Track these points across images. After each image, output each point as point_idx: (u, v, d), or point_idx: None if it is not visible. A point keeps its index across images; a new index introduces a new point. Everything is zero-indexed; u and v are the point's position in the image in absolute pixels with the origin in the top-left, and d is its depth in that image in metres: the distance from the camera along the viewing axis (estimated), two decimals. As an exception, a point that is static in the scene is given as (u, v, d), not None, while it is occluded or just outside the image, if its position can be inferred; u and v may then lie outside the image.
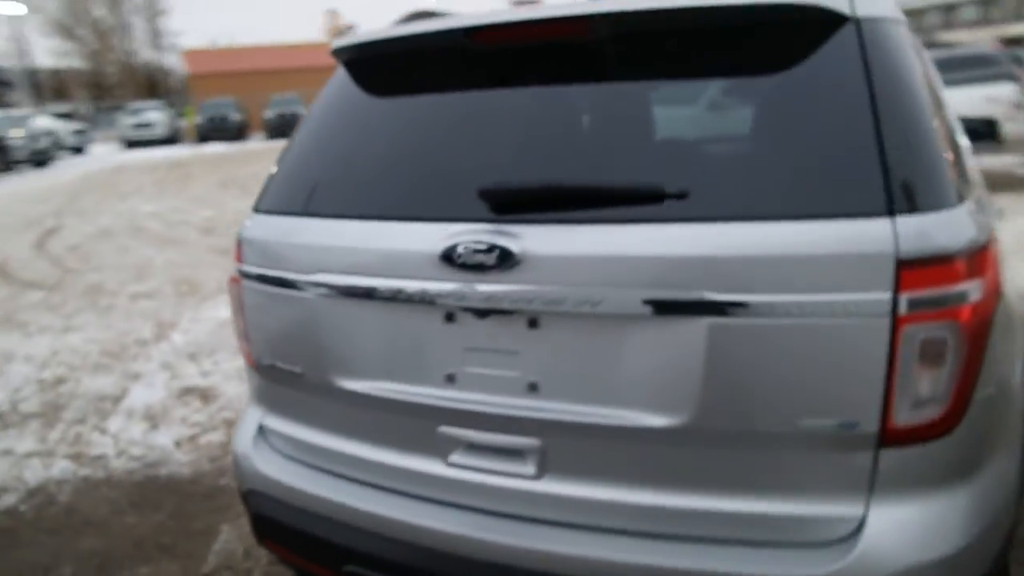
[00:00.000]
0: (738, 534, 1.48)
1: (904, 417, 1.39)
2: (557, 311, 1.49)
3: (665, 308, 1.43)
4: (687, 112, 1.57)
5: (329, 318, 1.73)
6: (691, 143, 1.54)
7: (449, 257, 1.54)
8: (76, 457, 3.65)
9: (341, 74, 1.97)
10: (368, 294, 1.65)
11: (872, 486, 1.44)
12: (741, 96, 1.56)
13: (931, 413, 1.40)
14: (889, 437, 1.40)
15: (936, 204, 1.40)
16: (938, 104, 1.72)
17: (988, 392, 1.48)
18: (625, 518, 1.54)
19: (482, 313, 1.56)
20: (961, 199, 1.48)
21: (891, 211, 1.37)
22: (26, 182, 17.36)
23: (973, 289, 1.39)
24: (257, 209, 1.94)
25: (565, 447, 1.56)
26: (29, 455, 3.69)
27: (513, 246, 1.50)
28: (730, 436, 1.46)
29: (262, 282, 1.84)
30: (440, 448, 1.67)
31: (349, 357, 1.73)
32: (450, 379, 1.63)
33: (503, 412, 1.58)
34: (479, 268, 1.52)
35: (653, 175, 1.51)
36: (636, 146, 1.61)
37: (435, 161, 1.71)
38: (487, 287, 1.53)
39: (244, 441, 2.01)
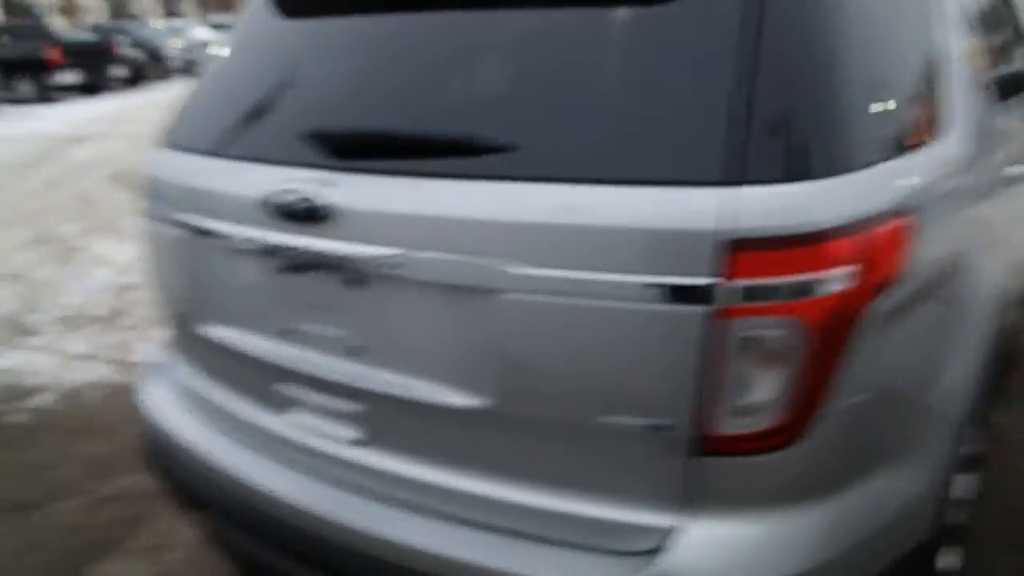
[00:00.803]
0: (538, 531, 1.33)
1: (728, 424, 1.18)
2: (372, 272, 1.36)
3: (444, 274, 1.28)
4: (539, 59, 1.35)
5: (191, 260, 1.68)
6: (531, 93, 1.32)
7: (268, 204, 1.43)
8: (118, 363, 3.88)
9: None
10: (216, 237, 1.57)
11: (688, 498, 1.24)
12: (596, 37, 1.32)
13: (762, 422, 1.18)
14: (710, 445, 1.20)
15: (796, 174, 1.15)
16: (898, 41, 1.41)
17: (859, 400, 1.24)
18: (436, 500, 1.42)
19: (303, 267, 1.44)
20: (867, 163, 1.21)
21: (722, 181, 1.13)
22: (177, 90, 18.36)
23: (831, 279, 1.14)
24: (158, 143, 1.88)
25: (387, 417, 1.45)
26: (79, 357, 3.95)
27: (326, 197, 1.37)
28: (532, 424, 1.30)
29: (148, 217, 1.80)
30: (279, 404, 1.60)
31: (206, 302, 1.68)
32: (283, 334, 1.54)
33: (327, 375, 1.48)
34: (294, 218, 1.40)
35: (474, 127, 1.32)
36: (473, 94, 1.42)
37: (284, 99, 1.58)
38: (301, 239, 1.41)
39: (145, 371, 2.03)
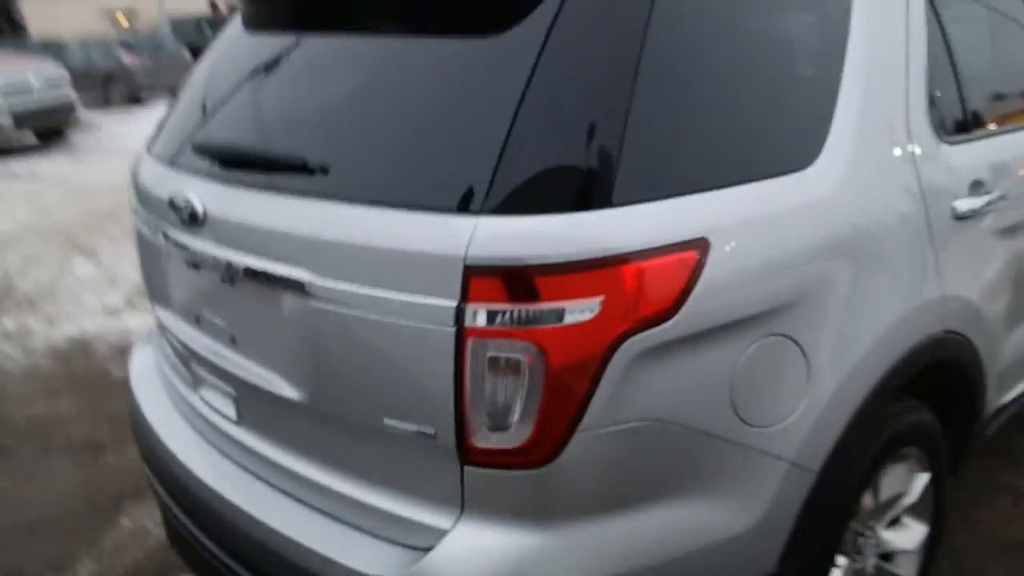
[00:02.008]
0: (350, 516, 1.47)
1: (484, 439, 1.26)
2: (234, 272, 1.54)
3: (269, 280, 1.43)
4: (353, 87, 1.48)
5: (146, 250, 1.94)
6: (343, 119, 1.44)
7: (172, 207, 1.65)
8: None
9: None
10: (156, 233, 1.82)
11: (462, 503, 1.33)
12: (393, 72, 1.43)
13: (515, 439, 1.25)
14: (472, 456, 1.28)
15: (543, 206, 1.21)
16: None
17: (627, 427, 1.28)
18: (280, 478, 1.59)
19: (196, 264, 1.65)
20: (637, 199, 1.25)
21: (472, 210, 1.21)
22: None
23: (573, 308, 1.19)
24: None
25: (251, 401, 1.63)
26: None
27: (198, 203, 1.57)
28: (340, 421, 1.44)
29: (132, 211, 2.09)
30: (195, 383, 1.82)
31: (155, 287, 1.94)
32: (195, 320, 1.76)
33: (216, 360, 1.68)
34: (183, 220, 1.61)
35: (300, 148, 1.48)
36: (304, 118, 1.57)
37: (205, 112, 1.79)
38: (191, 239, 1.62)
39: (139, 342, 2.35)
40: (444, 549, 1.32)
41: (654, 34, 1.32)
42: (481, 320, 1.21)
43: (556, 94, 1.26)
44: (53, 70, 11.34)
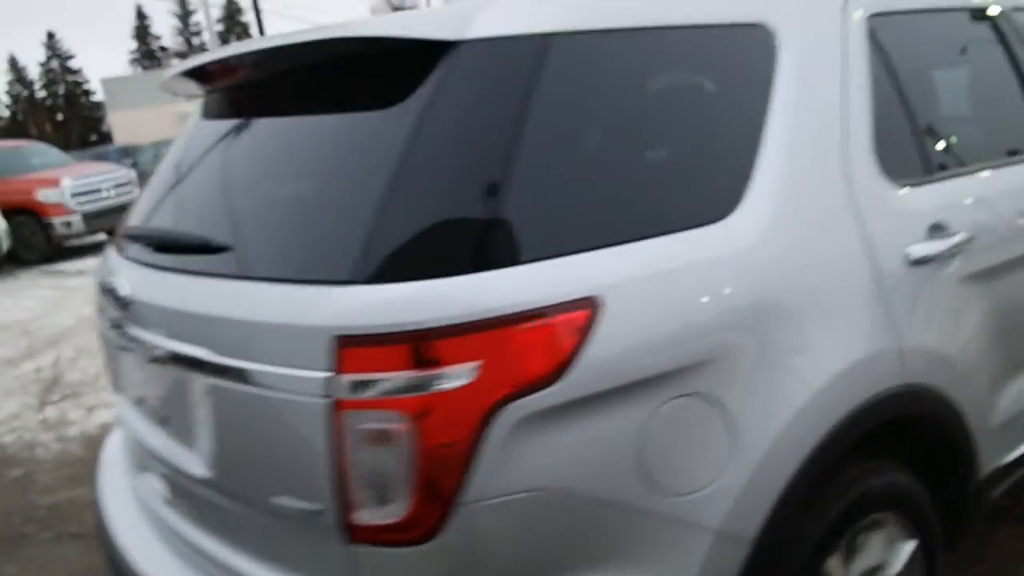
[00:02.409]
0: None
1: (365, 515, 1.22)
2: (155, 352, 1.56)
3: (178, 359, 1.44)
4: (242, 169, 1.52)
5: (103, 338, 1.99)
6: (231, 199, 1.48)
7: (105, 291, 1.70)
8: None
9: None
10: (102, 318, 1.87)
11: None
12: (273, 153, 1.47)
13: (394, 514, 1.20)
14: (356, 534, 1.24)
15: (413, 274, 1.19)
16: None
17: (517, 498, 1.22)
18: (204, 561, 1.56)
19: (128, 346, 1.68)
20: (514, 260, 1.22)
21: (339, 280, 1.21)
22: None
23: (444, 376, 1.16)
24: None
25: (177, 482, 1.62)
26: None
27: (124, 288, 1.60)
28: (240, 498, 1.41)
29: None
30: (141, 465, 1.83)
31: (111, 372, 1.97)
32: (139, 402, 1.78)
33: (151, 441, 1.69)
34: (114, 305, 1.65)
35: (198, 228, 1.51)
36: (223, 197, 1.59)
37: (150, 198, 1.85)
38: (120, 322, 1.65)
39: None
40: None
41: (540, 98, 1.31)
42: (351, 391, 1.18)
43: (427, 163, 1.25)
44: (123, 174, 12.10)
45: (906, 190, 1.74)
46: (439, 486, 1.18)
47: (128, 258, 1.74)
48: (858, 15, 1.80)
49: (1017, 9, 2.14)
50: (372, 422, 1.18)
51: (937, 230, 1.76)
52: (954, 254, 1.78)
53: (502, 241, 1.22)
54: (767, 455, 1.41)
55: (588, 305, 1.24)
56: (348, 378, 1.18)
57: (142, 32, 58.39)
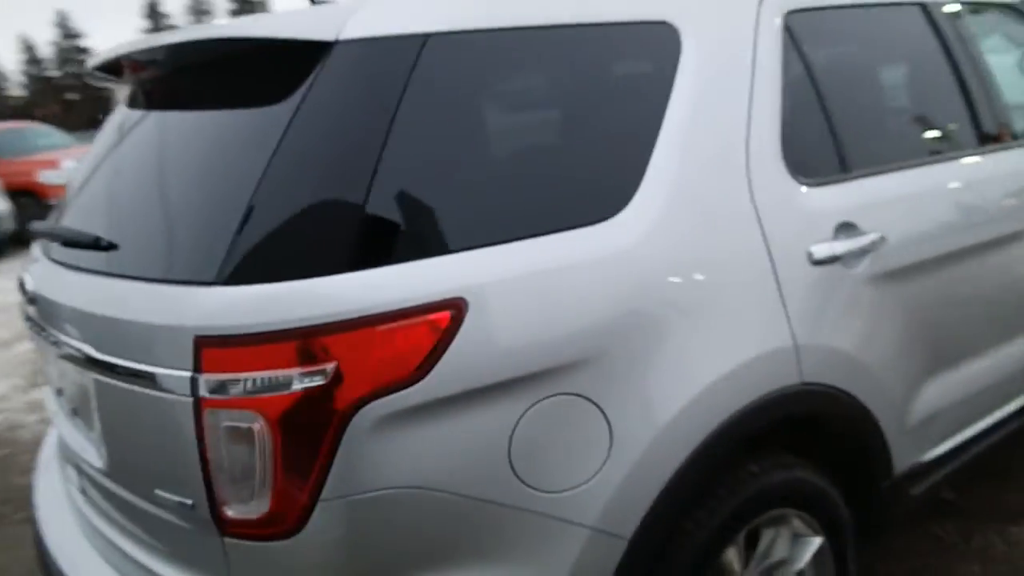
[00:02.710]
0: None
1: (233, 509, 1.25)
2: (56, 346, 1.60)
3: (70, 353, 1.48)
4: (133, 166, 1.55)
5: None
6: (122, 197, 1.51)
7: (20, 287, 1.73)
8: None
9: None
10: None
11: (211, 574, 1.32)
12: (150, 148, 1.49)
13: (259, 509, 1.24)
14: (227, 528, 1.27)
15: (271, 275, 1.22)
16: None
17: (380, 495, 1.24)
18: (110, 552, 1.61)
19: (38, 339, 1.72)
20: (374, 262, 1.25)
21: (202, 281, 1.23)
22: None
23: (299, 376, 1.18)
24: None
25: (85, 472, 1.66)
26: None
27: (30, 284, 1.64)
28: (133, 490, 1.45)
29: None
30: (65, 458, 1.88)
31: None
32: (59, 393, 1.82)
33: (65, 432, 1.73)
34: (26, 299, 1.69)
35: (100, 225, 1.53)
36: (115, 195, 1.62)
37: (67, 197, 1.88)
38: (32, 317, 1.69)
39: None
40: None
41: (412, 99, 1.33)
42: (212, 390, 1.21)
43: (291, 164, 1.27)
44: None
45: (814, 189, 1.74)
46: (298, 483, 1.21)
47: (44, 254, 1.78)
48: (774, 12, 1.80)
49: (942, 4, 2.13)
50: (233, 421, 1.21)
51: (846, 229, 1.76)
52: (864, 254, 1.78)
53: (364, 243, 1.25)
54: (646, 453, 1.43)
55: (452, 306, 1.26)
56: (209, 377, 1.21)
57: (152, 11, 58.45)
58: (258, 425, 1.20)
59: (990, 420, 2.24)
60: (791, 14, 1.84)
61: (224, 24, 1.49)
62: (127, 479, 1.45)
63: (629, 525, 1.43)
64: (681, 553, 1.53)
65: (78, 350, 1.44)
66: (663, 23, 1.64)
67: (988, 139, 2.15)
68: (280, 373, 1.18)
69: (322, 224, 1.25)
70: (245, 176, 1.29)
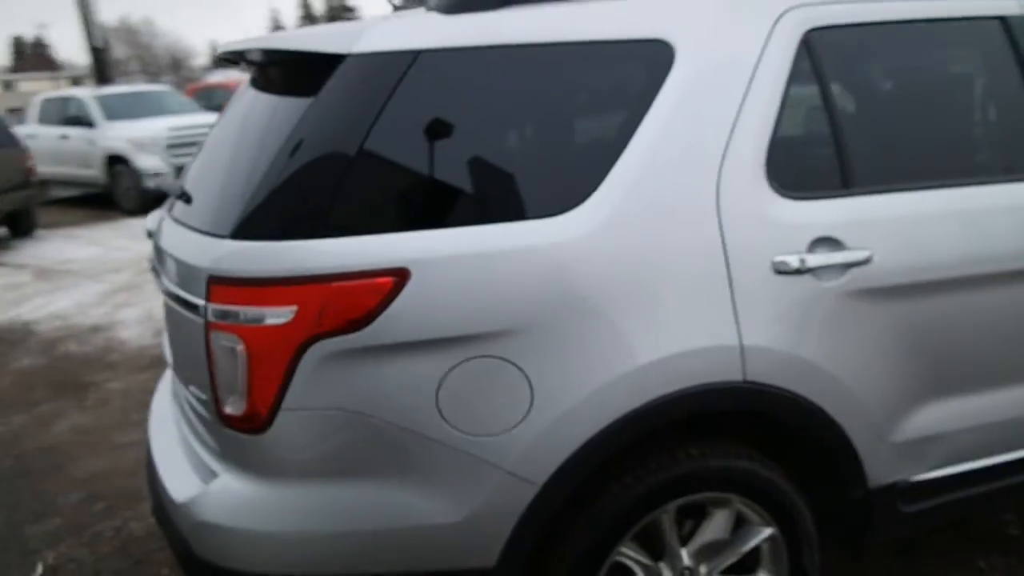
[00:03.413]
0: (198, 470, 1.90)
1: (227, 407, 1.67)
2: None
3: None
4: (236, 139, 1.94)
5: None
6: (220, 165, 1.89)
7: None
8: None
9: None
10: None
11: (227, 457, 1.75)
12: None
13: (240, 409, 1.65)
14: (224, 421, 1.70)
15: (264, 235, 1.61)
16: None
17: (322, 413, 1.62)
18: (185, 449, 2.07)
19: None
20: (347, 232, 1.60)
21: (224, 234, 1.67)
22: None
23: (270, 314, 1.58)
24: None
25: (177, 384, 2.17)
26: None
27: (152, 226, 2.15)
28: (190, 391, 1.90)
29: None
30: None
31: None
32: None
33: (167, 355, 2.26)
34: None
35: (193, 186, 1.98)
36: (211, 161, 2.05)
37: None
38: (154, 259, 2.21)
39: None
40: (210, 487, 1.75)
41: (397, 103, 1.64)
42: (214, 316, 1.62)
43: (293, 152, 1.63)
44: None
45: (797, 203, 1.84)
46: (264, 394, 1.60)
47: (166, 207, 2.30)
48: (792, 29, 1.89)
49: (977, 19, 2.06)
50: (225, 341, 1.62)
51: (825, 244, 1.84)
52: (845, 269, 1.85)
53: (335, 216, 1.59)
54: (564, 416, 1.66)
55: (396, 274, 1.58)
56: (213, 307, 1.62)
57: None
58: (240, 347, 1.60)
59: (1016, 455, 2.18)
60: (814, 31, 1.92)
61: (279, 35, 1.88)
62: (182, 375, 1.93)
63: (542, 474, 1.68)
64: (605, 509, 1.76)
65: (166, 287, 1.92)
66: (658, 40, 1.81)
67: (1006, 170, 2.08)
68: (257, 310, 1.57)
69: (305, 199, 1.61)
70: (264, 156, 1.68)
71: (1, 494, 3.49)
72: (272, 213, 1.63)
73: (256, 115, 1.91)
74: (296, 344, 1.57)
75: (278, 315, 1.57)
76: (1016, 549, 2.65)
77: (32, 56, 64.23)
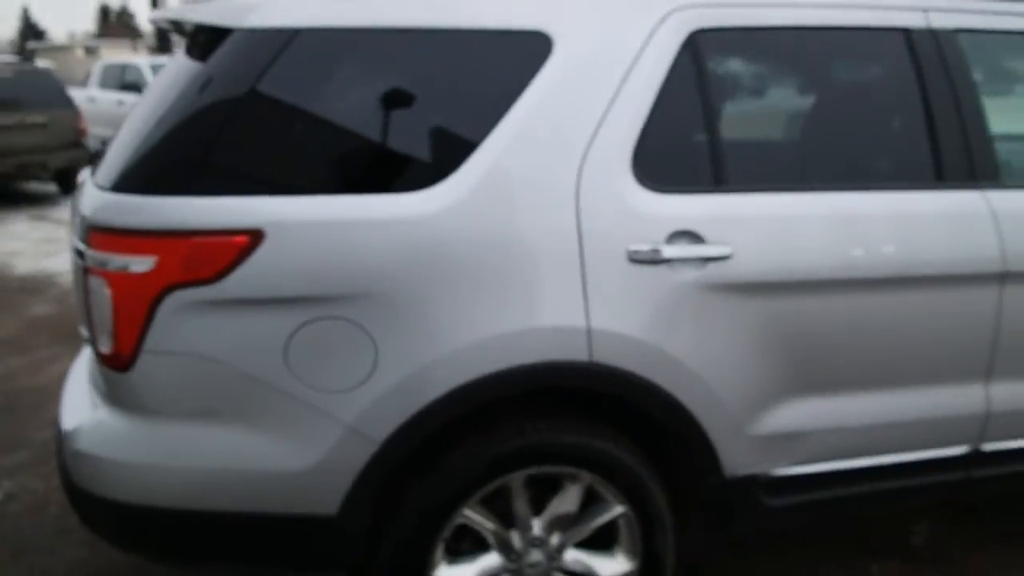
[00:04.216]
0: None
1: (101, 346, 1.83)
2: None
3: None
4: None
5: None
6: (134, 127, 1.97)
7: None
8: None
9: None
10: None
11: (103, 392, 1.90)
12: None
13: (108, 348, 1.80)
14: (100, 359, 1.85)
15: (142, 189, 1.75)
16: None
17: (175, 356, 1.75)
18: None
19: None
20: (208, 193, 1.74)
21: (107, 187, 1.82)
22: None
23: (130, 262, 1.72)
24: None
25: None
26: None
27: (77, 196, 2.32)
28: (82, 326, 2.07)
29: None
30: None
31: None
32: None
33: None
34: None
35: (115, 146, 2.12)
36: (132, 126, 2.17)
37: None
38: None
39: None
40: (87, 419, 1.91)
41: (272, 77, 1.77)
42: (90, 262, 1.77)
43: (172, 117, 1.78)
44: None
45: (660, 196, 1.91)
46: (126, 334, 1.74)
47: None
48: (676, 29, 1.96)
49: (872, 29, 2.08)
50: (97, 285, 1.77)
51: (684, 237, 1.91)
52: (703, 263, 1.92)
53: (198, 177, 1.73)
54: (406, 380, 1.78)
55: (251, 233, 1.71)
56: (90, 252, 1.78)
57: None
58: (107, 291, 1.74)
59: (896, 459, 2.21)
60: (699, 32, 1.98)
61: (195, 6, 2.02)
62: (82, 321, 2.09)
63: (381, 432, 1.79)
64: (449, 471, 1.87)
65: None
66: (537, 32, 1.90)
67: (883, 177, 2.10)
68: (123, 258, 1.72)
69: (174, 158, 1.75)
70: (152, 118, 1.82)
71: (-20, 427, 3.76)
72: (144, 170, 1.77)
73: (168, 80, 2.06)
74: (155, 292, 1.71)
75: (139, 264, 1.71)
76: (915, 559, 2.67)
77: (116, 24, 66.51)
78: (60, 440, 2.03)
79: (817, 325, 2.04)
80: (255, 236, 1.71)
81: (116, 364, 1.80)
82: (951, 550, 2.70)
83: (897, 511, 2.90)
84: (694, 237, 1.92)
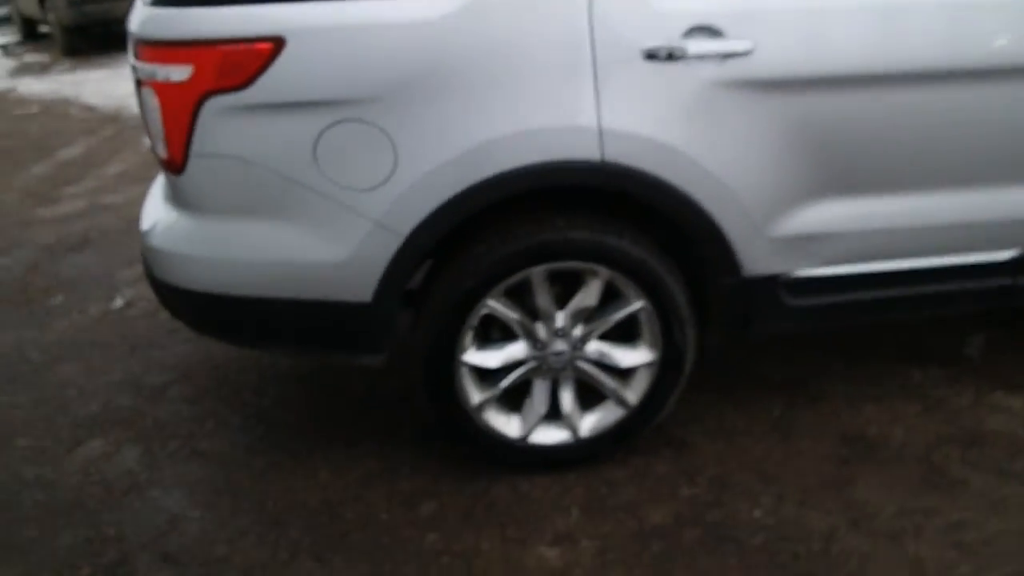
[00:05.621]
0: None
1: (159, 152, 2.03)
2: None
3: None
4: None
5: None
6: None
7: None
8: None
9: None
10: None
11: (169, 195, 2.14)
12: None
13: (164, 154, 2.00)
14: (161, 163, 2.07)
15: (176, 2, 1.88)
16: None
17: (220, 159, 1.93)
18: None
19: None
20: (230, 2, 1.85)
21: (149, 2, 1.94)
22: None
23: (173, 71, 1.88)
24: None
25: None
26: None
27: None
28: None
29: None
30: None
31: None
32: None
33: None
34: None
35: None
36: None
37: None
38: None
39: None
40: (159, 219, 2.17)
41: None
42: (141, 75, 1.95)
43: None
44: None
45: None
46: (177, 140, 1.93)
47: None
48: None
49: None
50: (147, 95, 1.95)
51: (702, 32, 1.89)
52: (724, 59, 1.89)
53: None
54: (426, 176, 1.90)
55: (274, 40, 1.82)
56: (139, 64, 1.95)
57: None
58: (156, 100, 1.93)
59: (922, 263, 2.20)
60: None
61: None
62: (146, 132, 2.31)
63: (406, 226, 1.94)
64: (473, 262, 2.02)
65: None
66: None
67: None
68: (166, 68, 1.88)
69: None
70: None
71: (108, 245, 4.22)
72: None
73: None
74: (194, 98, 1.88)
75: (179, 72, 1.87)
76: (961, 368, 2.68)
77: None
78: (142, 239, 2.30)
79: (845, 122, 2.00)
80: (277, 43, 1.82)
81: (172, 168, 2.00)
82: (1001, 364, 2.69)
83: (949, 320, 2.88)
84: (713, 32, 1.89)
